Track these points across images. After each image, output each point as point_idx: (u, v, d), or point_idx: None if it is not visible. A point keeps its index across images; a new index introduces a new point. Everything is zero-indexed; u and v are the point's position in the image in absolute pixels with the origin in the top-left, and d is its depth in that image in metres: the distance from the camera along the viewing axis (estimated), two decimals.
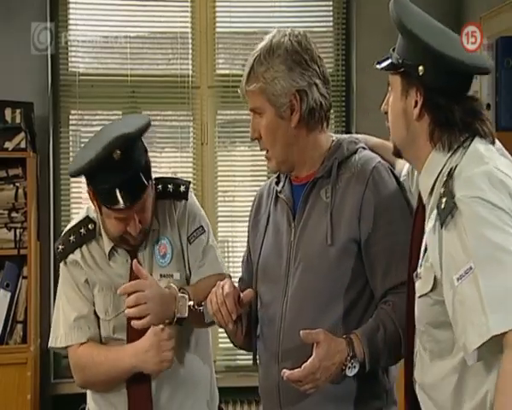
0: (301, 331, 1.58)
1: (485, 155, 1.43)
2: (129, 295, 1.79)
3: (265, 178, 3.89)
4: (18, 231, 3.42)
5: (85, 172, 1.81)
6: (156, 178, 1.97)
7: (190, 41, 3.88)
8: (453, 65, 1.45)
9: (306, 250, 1.73)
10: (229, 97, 3.86)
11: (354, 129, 3.81)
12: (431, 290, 1.43)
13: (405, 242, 1.60)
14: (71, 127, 3.84)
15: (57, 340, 1.95)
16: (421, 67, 1.47)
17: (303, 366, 1.57)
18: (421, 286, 1.46)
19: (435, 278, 1.42)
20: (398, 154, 1.61)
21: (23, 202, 3.42)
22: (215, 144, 3.90)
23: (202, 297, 1.82)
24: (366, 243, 1.68)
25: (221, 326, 1.77)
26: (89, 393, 2.03)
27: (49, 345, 1.99)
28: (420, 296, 1.47)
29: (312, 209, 1.74)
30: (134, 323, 1.79)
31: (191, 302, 1.83)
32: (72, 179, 3.80)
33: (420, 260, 1.49)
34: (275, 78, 1.71)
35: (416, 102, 1.49)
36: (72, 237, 1.95)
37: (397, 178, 1.75)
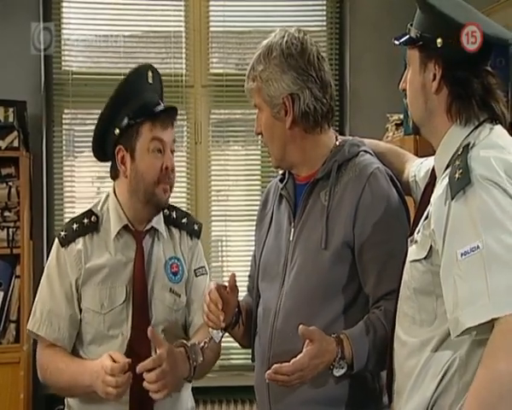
0: (300, 326, 1.59)
1: (504, 145, 1.42)
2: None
3: (259, 177, 3.89)
4: (11, 230, 3.41)
5: (127, 85, 1.91)
6: (171, 205, 2.03)
7: (184, 40, 3.88)
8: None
9: (302, 252, 1.74)
10: (222, 96, 3.86)
11: (348, 129, 3.82)
12: (425, 258, 1.44)
13: (399, 250, 1.59)
14: (64, 126, 3.83)
15: (30, 323, 1.97)
16: (439, 40, 1.47)
17: (292, 361, 1.57)
18: (415, 251, 1.47)
19: (431, 247, 1.43)
20: (416, 131, 1.60)
21: (16, 201, 3.41)
22: (209, 143, 3.90)
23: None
24: (359, 249, 1.69)
25: (214, 328, 1.77)
26: (69, 401, 2.02)
27: (28, 327, 1.99)
28: (412, 261, 1.48)
29: (311, 211, 1.75)
30: (153, 395, 1.79)
31: (201, 344, 1.86)
32: (66, 179, 3.82)
33: (418, 226, 1.49)
34: (269, 79, 1.73)
35: (435, 75, 1.49)
36: (75, 226, 1.97)
37: (396, 185, 1.74)
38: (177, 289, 1.98)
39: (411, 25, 1.55)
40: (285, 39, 1.74)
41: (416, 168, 1.76)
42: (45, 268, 2.01)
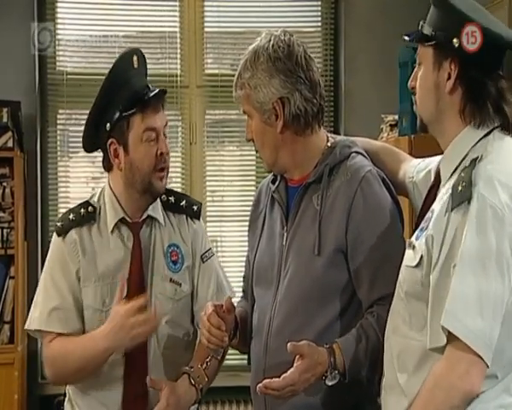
0: (288, 344, 1.58)
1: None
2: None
3: (254, 177, 3.90)
4: (5, 230, 3.41)
5: (113, 77, 1.89)
6: (167, 190, 2.01)
7: (179, 40, 3.88)
8: (491, 38, 1.44)
9: (295, 257, 1.73)
10: (217, 97, 3.86)
11: (342, 129, 3.82)
12: (415, 266, 1.45)
13: (392, 254, 1.59)
14: (58, 126, 3.83)
15: (31, 322, 1.92)
16: (455, 39, 1.45)
17: (282, 377, 1.56)
18: (411, 257, 1.47)
19: (422, 257, 1.43)
20: (423, 128, 1.57)
21: (10, 201, 3.41)
22: (204, 144, 3.90)
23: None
24: (352, 254, 1.67)
25: (219, 346, 1.78)
26: (71, 392, 1.99)
27: (25, 326, 1.96)
28: (406, 265, 1.49)
29: (303, 215, 1.74)
30: None
31: (203, 365, 1.88)
32: (60, 179, 3.81)
33: (417, 232, 1.48)
34: (257, 85, 1.71)
35: (450, 75, 1.47)
36: (71, 216, 1.94)
37: (388, 187, 1.73)
38: (176, 278, 1.96)
39: (424, 21, 1.52)
40: (271, 43, 1.71)
41: (415, 169, 1.74)
42: (46, 262, 1.96)
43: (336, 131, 3.80)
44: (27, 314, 3.50)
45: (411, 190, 1.74)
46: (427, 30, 1.50)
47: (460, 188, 1.38)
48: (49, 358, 1.91)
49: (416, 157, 1.83)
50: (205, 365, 1.86)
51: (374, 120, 3.28)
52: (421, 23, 1.53)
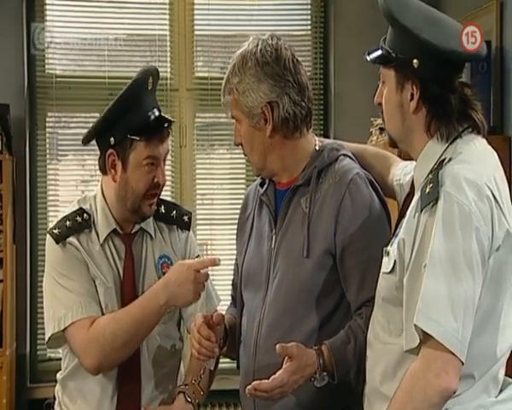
0: (277, 345, 1.58)
1: (478, 165, 1.43)
2: None
3: (244, 181, 3.90)
4: None
5: (127, 98, 1.87)
6: (159, 199, 2.00)
7: (169, 44, 3.88)
8: (449, 55, 1.45)
9: (284, 260, 1.73)
10: (207, 100, 3.86)
11: (332, 132, 3.83)
12: (389, 272, 1.47)
13: (380, 256, 1.59)
14: (48, 129, 3.81)
15: (61, 321, 1.83)
16: (415, 60, 1.46)
17: (271, 378, 1.57)
18: (386, 263, 1.50)
19: (395, 262, 1.45)
20: (393, 144, 1.61)
21: None
22: (194, 147, 3.90)
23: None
24: (341, 256, 1.69)
25: (210, 357, 1.78)
26: (61, 396, 1.98)
27: (49, 334, 1.85)
28: (382, 272, 1.51)
29: (292, 218, 1.75)
30: None
31: (198, 379, 1.91)
32: (49, 182, 3.79)
33: (393, 238, 1.51)
34: (246, 90, 1.71)
35: (412, 95, 1.49)
36: (68, 223, 1.91)
37: (376, 190, 1.74)
38: None
39: (384, 41, 1.54)
40: (259, 47, 1.72)
41: (402, 172, 1.76)
42: (49, 269, 1.90)
43: (326, 135, 3.81)
44: (16, 318, 3.43)
45: (398, 193, 1.76)
46: (387, 51, 1.52)
47: (428, 189, 1.40)
48: (94, 339, 1.81)
49: (405, 160, 1.84)
50: (199, 379, 1.89)
51: (363, 123, 3.29)
52: (381, 43, 1.55)
